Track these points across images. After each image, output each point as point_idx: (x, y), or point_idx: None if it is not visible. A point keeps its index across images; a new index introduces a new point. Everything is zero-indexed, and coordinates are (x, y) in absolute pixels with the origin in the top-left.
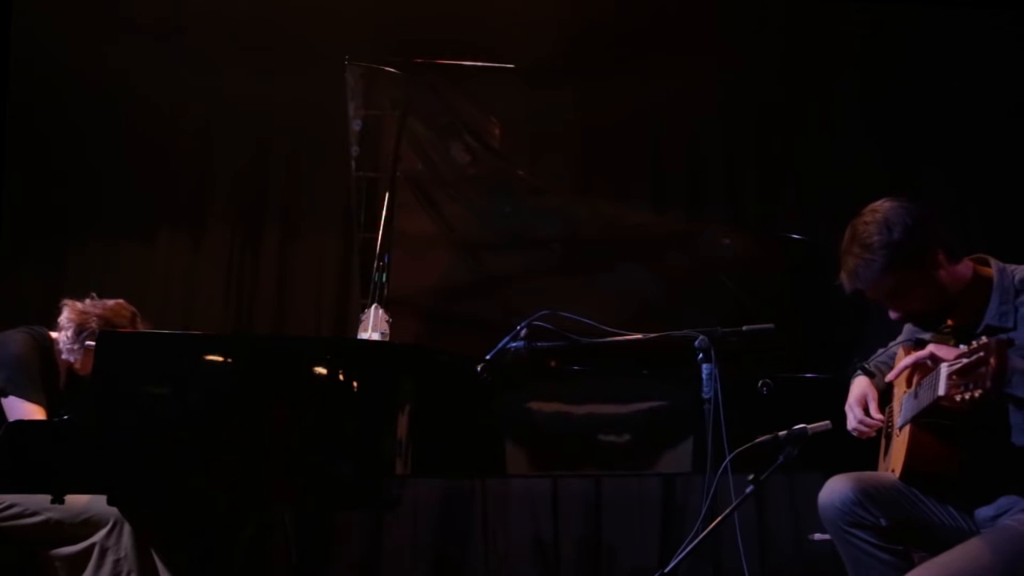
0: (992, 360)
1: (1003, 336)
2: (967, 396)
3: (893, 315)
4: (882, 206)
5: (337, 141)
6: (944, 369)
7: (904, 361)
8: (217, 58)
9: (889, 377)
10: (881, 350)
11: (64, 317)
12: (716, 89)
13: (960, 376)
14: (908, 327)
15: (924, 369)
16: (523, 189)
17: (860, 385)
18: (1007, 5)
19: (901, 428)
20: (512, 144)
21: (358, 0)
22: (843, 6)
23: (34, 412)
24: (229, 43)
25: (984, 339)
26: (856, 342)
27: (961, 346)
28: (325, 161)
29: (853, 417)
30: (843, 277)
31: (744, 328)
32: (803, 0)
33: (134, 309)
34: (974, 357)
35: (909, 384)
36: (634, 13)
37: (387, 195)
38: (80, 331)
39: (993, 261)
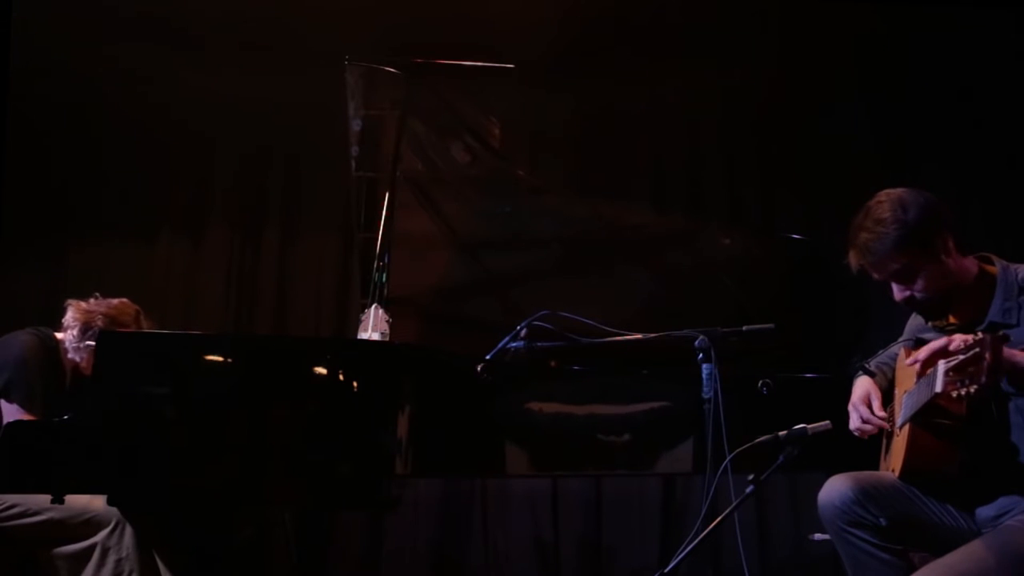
0: (987, 355)
1: (1000, 332)
2: (963, 392)
3: (898, 296)
4: (896, 191)
5: (337, 141)
6: (941, 366)
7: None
8: (217, 58)
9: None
10: (882, 350)
11: (69, 316)
12: (716, 90)
13: (956, 372)
14: (909, 326)
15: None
16: (523, 189)
17: (863, 385)
18: (1007, 5)
19: (901, 427)
20: (512, 144)
21: (358, 0)
22: (843, 6)
23: None
24: (229, 43)
25: (979, 334)
26: (856, 342)
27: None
28: (325, 161)
29: (856, 416)
30: (851, 255)
31: (744, 328)
32: (803, 0)
33: (138, 307)
34: (970, 353)
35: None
36: (634, 13)
37: (387, 195)
38: (86, 329)
39: (996, 259)
